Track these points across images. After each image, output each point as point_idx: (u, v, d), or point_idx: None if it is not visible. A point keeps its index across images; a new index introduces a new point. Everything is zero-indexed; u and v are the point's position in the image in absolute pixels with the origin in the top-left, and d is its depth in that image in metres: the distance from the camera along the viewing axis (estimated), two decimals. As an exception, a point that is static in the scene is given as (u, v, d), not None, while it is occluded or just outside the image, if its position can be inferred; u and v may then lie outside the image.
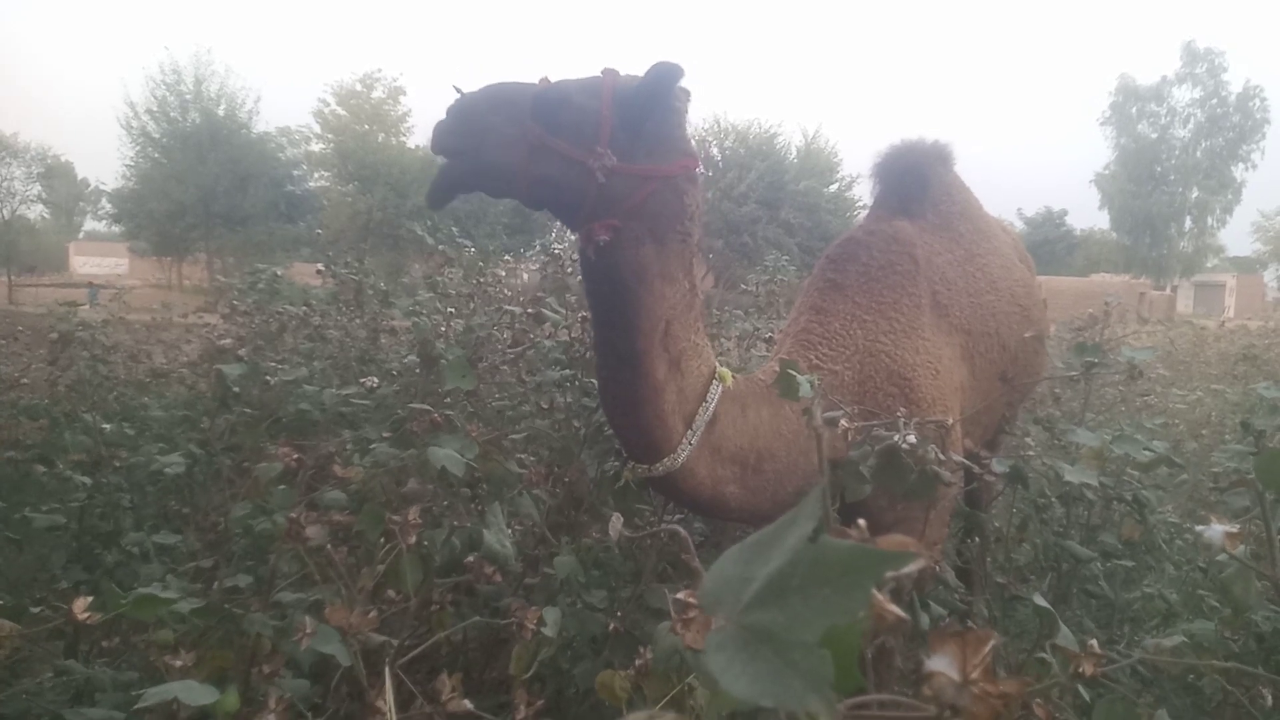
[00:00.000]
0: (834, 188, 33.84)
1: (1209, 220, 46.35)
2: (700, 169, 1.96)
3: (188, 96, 31.18)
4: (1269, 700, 1.63)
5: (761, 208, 30.64)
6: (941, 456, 1.74)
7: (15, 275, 36.40)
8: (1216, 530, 0.88)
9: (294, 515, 1.25)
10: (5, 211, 36.95)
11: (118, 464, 2.60)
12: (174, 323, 7.58)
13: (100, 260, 53.89)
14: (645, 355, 1.86)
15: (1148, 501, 2.34)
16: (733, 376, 2.08)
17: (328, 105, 32.78)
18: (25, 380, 5.46)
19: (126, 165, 32.16)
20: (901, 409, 2.21)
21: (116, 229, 39.31)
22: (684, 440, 1.93)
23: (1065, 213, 52.01)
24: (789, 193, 31.07)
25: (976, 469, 1.90)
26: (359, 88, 32.85)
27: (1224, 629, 1.93)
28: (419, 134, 34.36)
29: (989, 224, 2.90)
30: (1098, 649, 0.88)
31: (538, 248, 30.73)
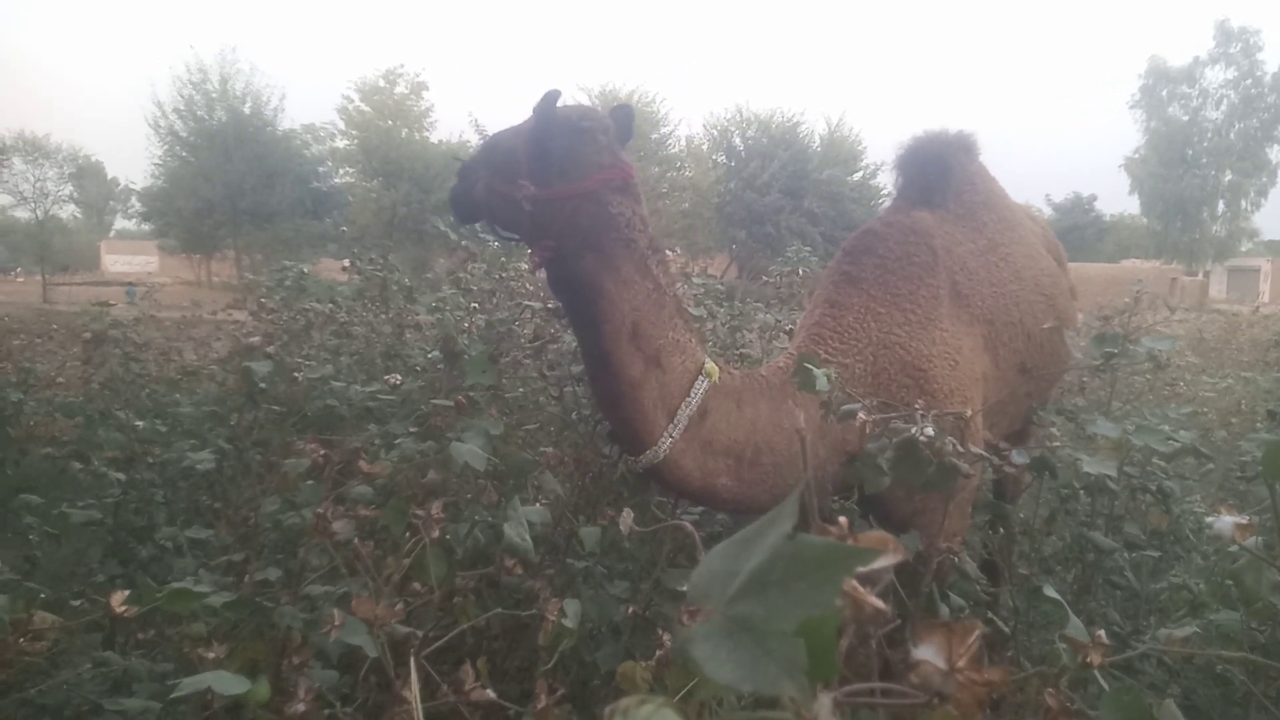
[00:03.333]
0: (858, 176, 33.53)
1: (1242, 204, 45.35)
2: (628, 176, 2.05)
3: (214, 95, 31.52)
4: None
5: (785, 197, 30.46)
6: (960, 448, 1.75)
7: (49, 274, 37.03)
8: (1226, 521, 0.88)
9: (321, 510, 1.28)
10: (39, 212, 37.58)
11: (150, 460, 2.67)
12: (203, 320, 7.71)
13: (131, 258, 54.67)
14: (614, 354, 1.99)
15: (1172, 492, 2.33)
16: (731, 372, 2.14)
17: (351, 101, 32.98)
18: (60, 379, 5.59)
19: (155, 164, 32.61)
20: (918, 400, 2.21)
21: (146, 227, 39.96)
22: (665, 434, 2.01)
23: (1094, 198, 51.29)
24: (812, 181, 30.86)
25: (996, 461, 1.90)
26: (382, 84, 33.00)
27: (1250, 620, 1.92)
28: (442, 129, 34.54)
29: (1014, 213, 2.88)
30: (1105, 639, 0.88)
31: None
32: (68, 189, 41.24)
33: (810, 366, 1.61)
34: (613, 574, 2.48)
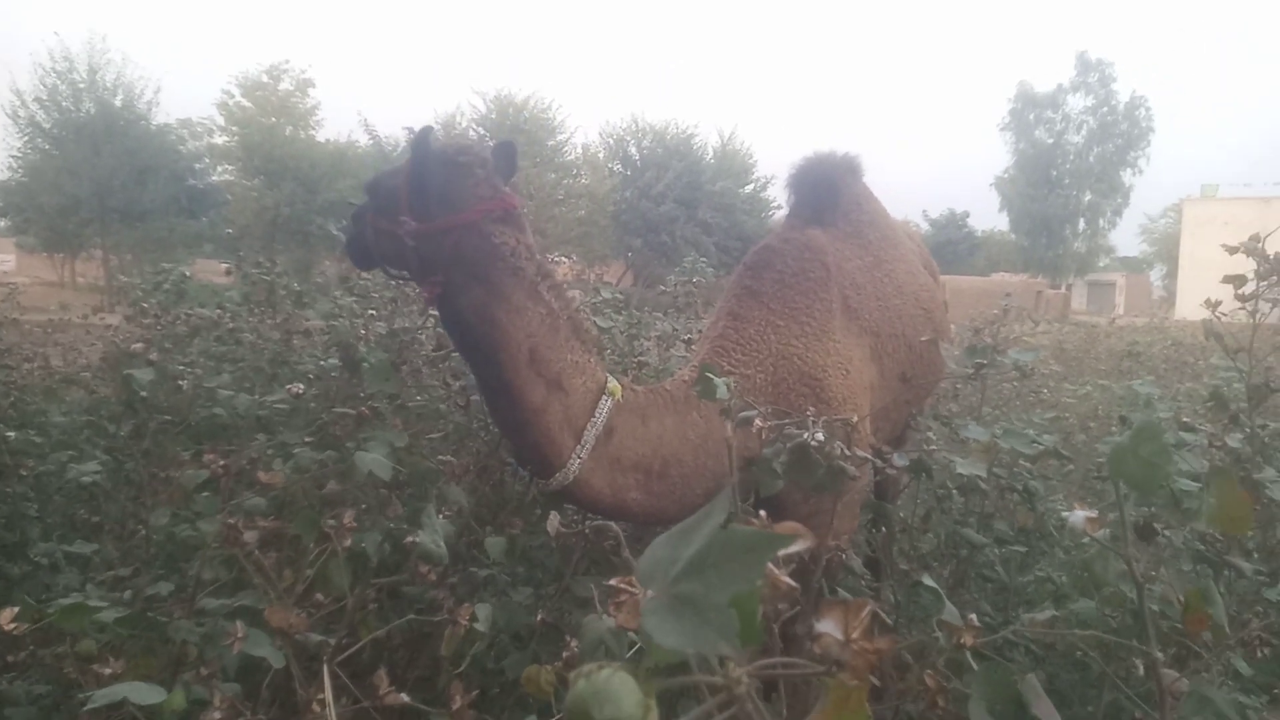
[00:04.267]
0: (749, 188, 34.44)
1: (1100, 222, 49.01)
2: (510, 206, 2.09)
3: (81, 85, 29.57)
4: (1141, 670, 1.81)
5: (679, 207, 30.98)
6: (847, 452, 1.87)
7: (-113, 272, 33.89)
8: (1079, 516, 1.00)
9: (232, 521, 1.27)
10: (-123, 204, 34.36)
11: (23, 473, 2.52)
12: (72, 324, 7.25)
13: (-16, 256, 50.60)
14: (514, 383, 2.02)
15: (1036, 491, 2.53)
16: (634, 389, 2.20)
17: (232, 97, 31.59)
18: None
19: (13, 156, 30.34)
20: (813, 408, 2.34)
21: (2, 224, 37.04)
22: (574, 455, 2.06)
23: (968, 214, 54.27)
24: (706, 192, 31.50)
25: (880, 463, 2.03)
26: (265, 79, 31.74)
27: (1103, 607, 2.12)
28: (329, 128, 33.50)
29: (895, 231, 3.07)
30: (976, 623, 0.98)
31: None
32: (-89, 180, 37.87)
33: (711, 376, 1.69)
34: (516, 581, 2.50)
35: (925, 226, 53.07)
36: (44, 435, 2.95)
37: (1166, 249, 57.17)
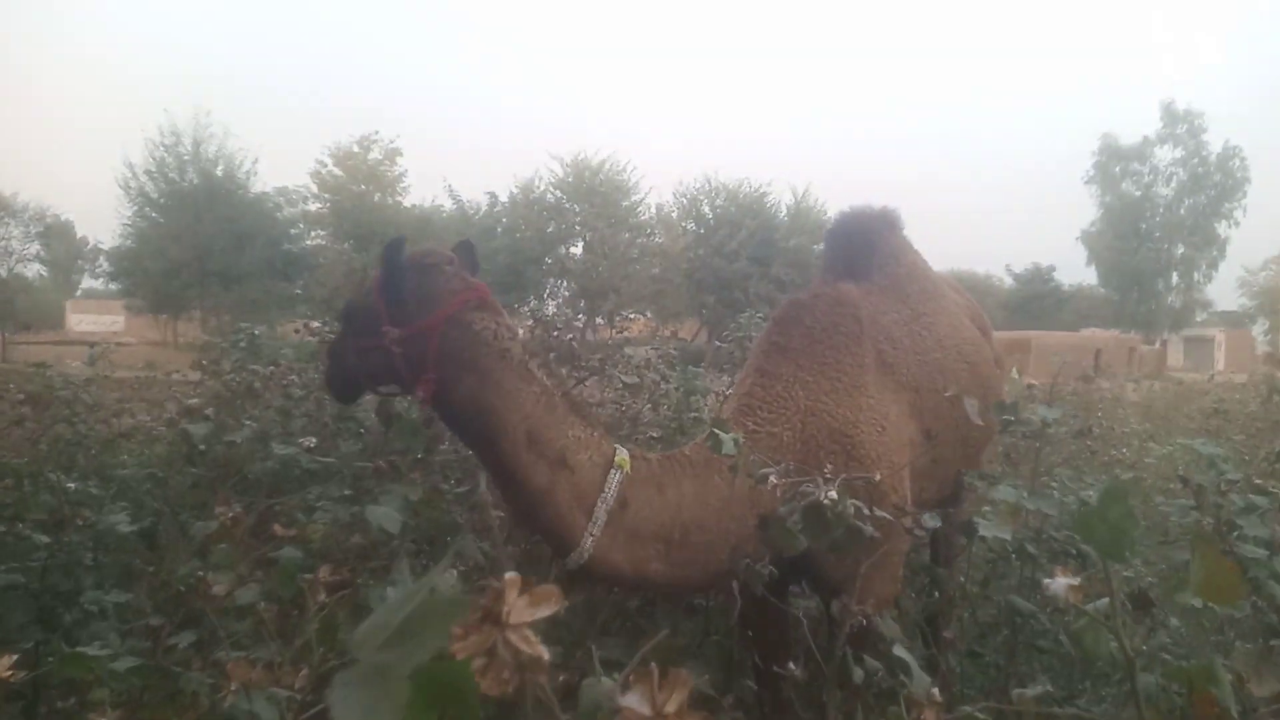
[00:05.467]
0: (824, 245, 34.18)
1: (1195, 276, 46.94)
2: (484, 294, 2.15)
3: (186, 157, 31.67)
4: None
5: (753, 264, 31.00)
6: (866, 511, 1.79)
7: (11, 333, 36.44)
8: (1060, 583, 0.93)
9: (201, 574, 1.29)
10: (2, 270, 37.19)
11: (80, 523, 2.63)
12: (157, 380, 7.64)
13: (97, 318, 53.95)
14: (517, 467, 2.02)
15: (1089, 555, 2.38)
16: (646, 457, 2.17)
17: (325, 166, 33.37)
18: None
19: (124, 224, 32.51)
20: (844, 466, 2.26)
21: (114, 287, 39.57)
22: (586, 533, 2.02)
23: (1053, 269, 52.60)
24: (779, 249, 31.48)
25: (907, 525, 1.94)
26: (356, 149, 33.47)
27: (1168, 681, 1.95)
28: (415, 193, 34.96)
29: (937, 284, 2.99)
30: (938, 697, 0.91)
31: (531, 304, 31.03)
32: (34, 247, 40.95)
33: (719, 432, 1.66)
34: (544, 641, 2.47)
35: (1009, 281, 51.74)
36: (104, 487, 3.08)
37: (1269, 302, 54.14)
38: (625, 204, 31.25)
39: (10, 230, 37.35)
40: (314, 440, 2.15)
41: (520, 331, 2.17)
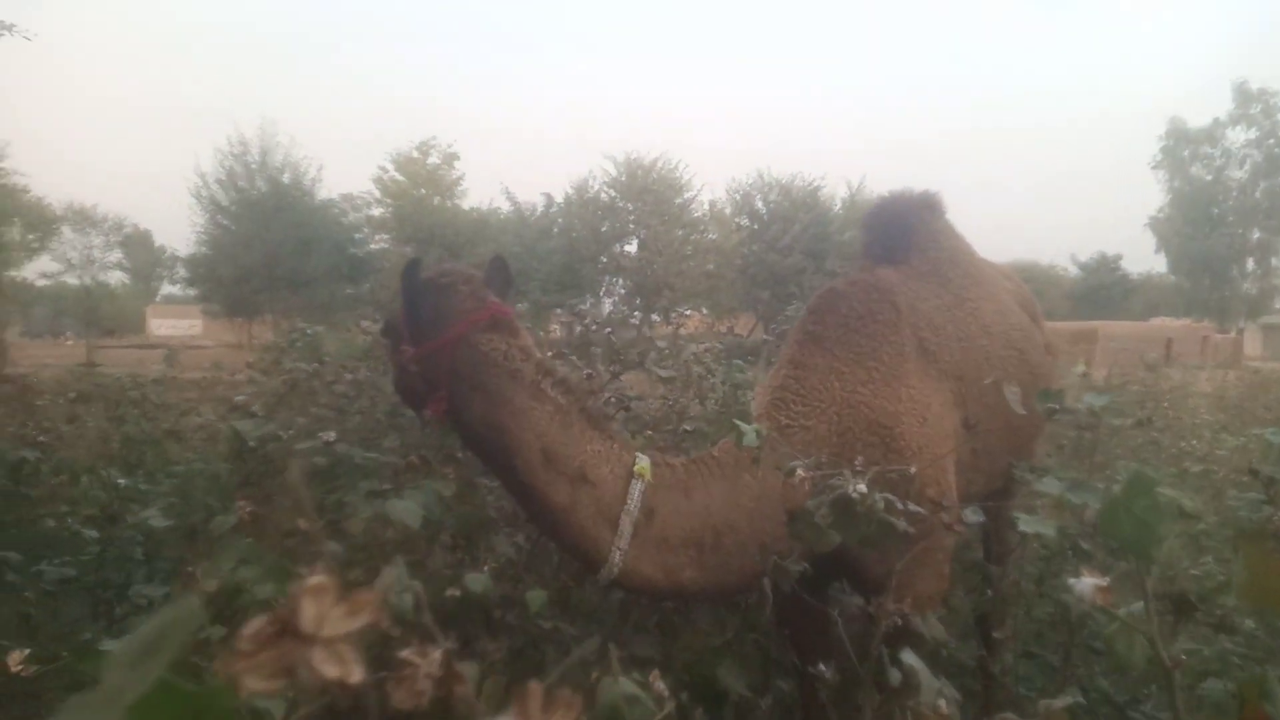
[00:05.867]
0: (882, 237, 33.56)
1: (1273, 261, 44.72)
2: (498, 314, 2.13)
3: (254, 166, 32.63)
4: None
5: (807, 258, 30.63)
6: (899, 506, 1.72)
7: (95, 338, 38.12)
8: (1086, 584, 0.86)
9: (190, 570, 1.30)
10: (86, 278, 38.89)
11: (130, 519, 2.71)
12: (223, 380, 7.88)
13: (176, 322, 56.02)
14: (535, 485, 2.01)
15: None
16: (671, 463, 2.14)
17: (386, 171, 33.99)
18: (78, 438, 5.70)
19: (199, 232, 33.69)
20: (884, 459, 2.19)
21: (191, 292, 41.06)
22: (613, 547, 2.00)
23: (1120, 257, 50.83)
24: (834, 243, 31.03)
25: (945, 519, 1.86)
26: (415, 154, 34.02)
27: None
28: (473, 195, 35.44)
29: (982, 269, 2.88)
30: (945, 709, 0.86)
31: (588, 302, 31.18)
32: (115, 256, 42.76)
33: (739, 423, 1.61)
34: (578, 638, 2.44)
35: (1074, 271, 50.11)
36: (155, 483, 3.17)
37: (1356, 288, 51.27)
38: (678, 201, 31.13)
39: (92, 240, 39.09)
40: (333, 434, 2.16)
41: (536, 351, 2.15)
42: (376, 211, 34.76)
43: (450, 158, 34.50)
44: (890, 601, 1.93)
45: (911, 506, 1.71)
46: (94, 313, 39.32)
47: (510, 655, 2.17)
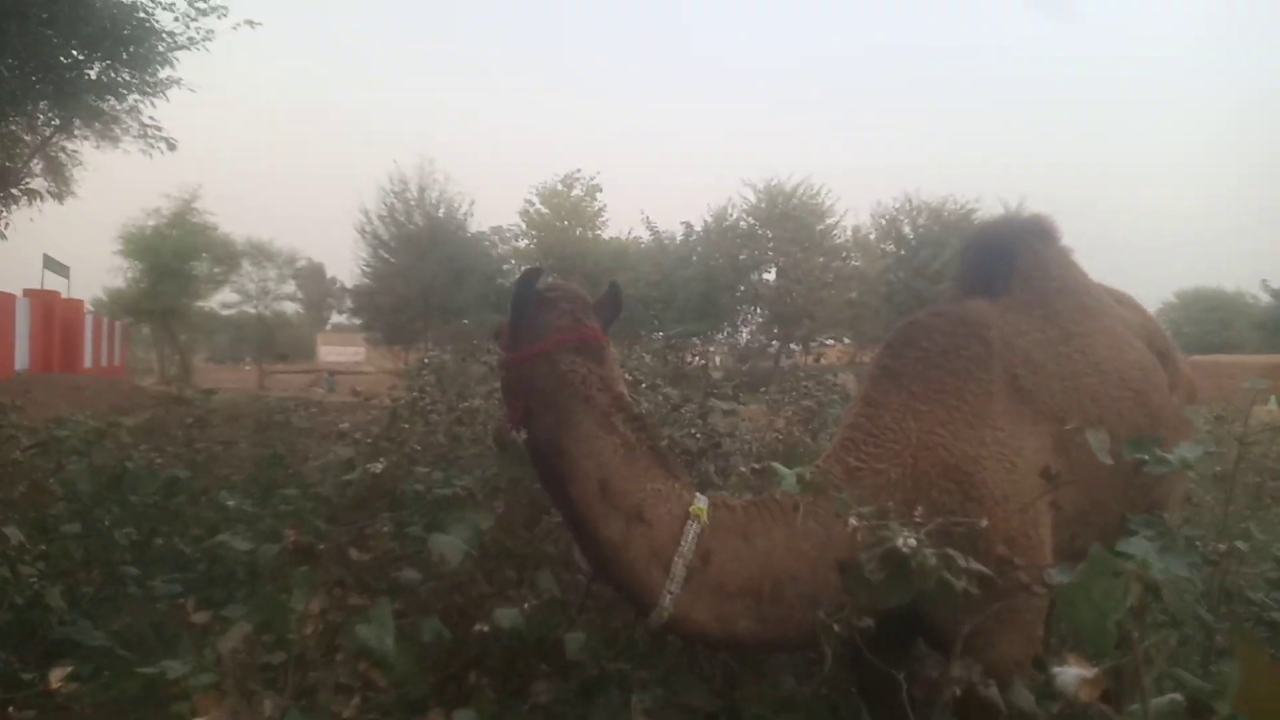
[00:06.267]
0: (1042, 262, 31.66)
1: None
2: (589, 338, 2.09)
3: (413, 202, 34.77)
4: None
5: (958, 285, 29.30)
6: (963, 563, 1.55)
7: (270, 364, 41.44)
8: (1070, 674, 0.71)
9: (181, 601, 1.32)
10: (261, 308, 42.47)
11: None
12: (361, 406, 8.31)
13: (342, 349, 59.98)
14: (588, 515, 1.95)
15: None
16: (730, 505, 2.02)
17: (533, 205, 35.36)
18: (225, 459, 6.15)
19: (363, 265, 36.14)
20: (962, 508, 2.00)
21: (356, 321, 44.03)
22: (665, 590, 1.90)
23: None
24: (989, 269, 29.53)
25: (1024, 579, 1.67)
26: (560, 187, 35.22)
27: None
28: (614, 226, 36.26)
29: (1099, 300, 2.60)
30: None
31: (726, 332, 31.06)
32: (289, 287, 46.43)
33: (777, 467, 1.51)
34: (646, 683, 2.36)
35: (1265, 299, 45.44)
36: (263, 506, 3.33)
37: None
38: (819, 228, 30.58)
39: (268, 272, 42.67)
40: (381, 465, 2.19)
41: (619, 384, 2.11)
42: (523, 243, 36.15)
43: (593, 189, 35.47)
44: (958, 667, 1.76)
45: (974, 564, 1.54)
46: (269, 340, 42.75)
47: (566, 696, 2.12)
